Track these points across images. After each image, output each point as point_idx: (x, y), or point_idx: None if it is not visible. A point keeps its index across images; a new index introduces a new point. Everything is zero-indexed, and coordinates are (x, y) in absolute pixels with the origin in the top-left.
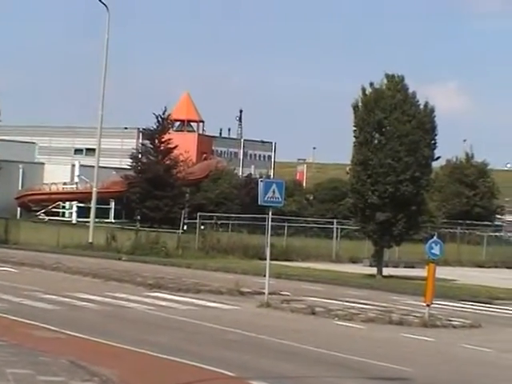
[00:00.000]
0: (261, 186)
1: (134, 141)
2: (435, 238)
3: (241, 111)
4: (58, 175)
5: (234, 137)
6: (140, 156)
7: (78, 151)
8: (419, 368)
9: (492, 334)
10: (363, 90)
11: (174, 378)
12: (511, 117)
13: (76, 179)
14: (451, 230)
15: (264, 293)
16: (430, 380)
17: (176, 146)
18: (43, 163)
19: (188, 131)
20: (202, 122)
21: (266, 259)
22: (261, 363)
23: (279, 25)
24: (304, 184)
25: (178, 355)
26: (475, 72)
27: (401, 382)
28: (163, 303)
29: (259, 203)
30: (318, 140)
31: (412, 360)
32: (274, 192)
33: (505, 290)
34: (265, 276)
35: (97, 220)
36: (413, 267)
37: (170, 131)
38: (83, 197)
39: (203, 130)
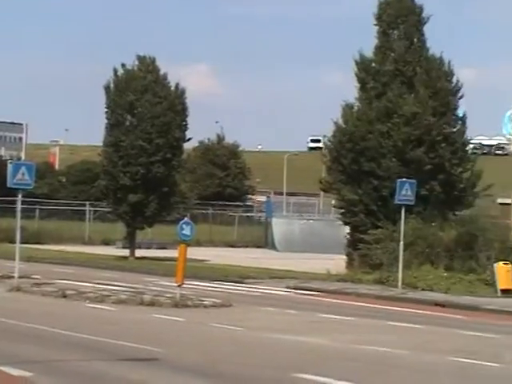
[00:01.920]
0: (10, 168)
1: None
2: (186, 219)
3: None
4: None
5: None
6: None
7: None
8: (169, 348)
9: (242, 313)
10: (115, 71)
11: None
12: (263, 100)
13: None
14: (203, 211)
15: (14, 277)
16: (180, 359)
17: None
18: None
19: None
20: None
21: (16, 243)
22: (9, 348)
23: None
24: (56, 166)
25: None
26: (228, 55)
27: (150, 362)
28: None
29: (8, 186)
30: (70, 122)
31: (162, 340)
32: (23, 174)
33: (255, 269)
34: (15, 260)
35: None
36: (165, 248)
37: None
38: None
39: None
